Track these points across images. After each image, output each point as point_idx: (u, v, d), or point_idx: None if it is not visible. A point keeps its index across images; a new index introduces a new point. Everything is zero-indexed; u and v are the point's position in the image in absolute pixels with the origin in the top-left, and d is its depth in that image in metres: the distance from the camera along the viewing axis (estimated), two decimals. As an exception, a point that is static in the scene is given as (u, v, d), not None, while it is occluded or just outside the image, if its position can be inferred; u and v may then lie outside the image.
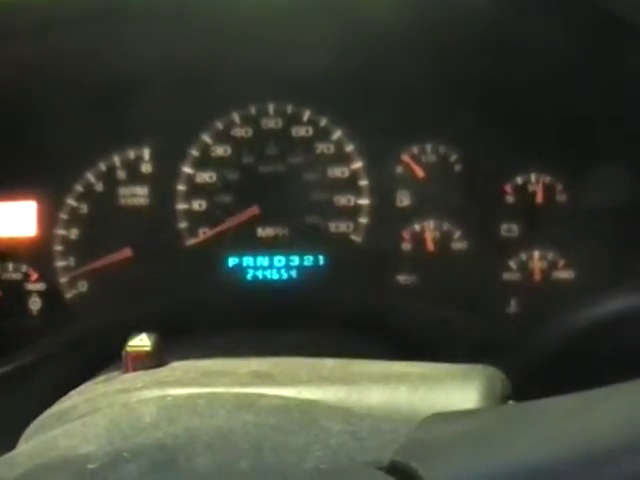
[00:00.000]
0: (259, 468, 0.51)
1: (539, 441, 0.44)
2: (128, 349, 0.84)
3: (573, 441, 0.43)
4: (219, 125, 1.18)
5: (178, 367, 0.83)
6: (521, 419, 0.50)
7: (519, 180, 1.15)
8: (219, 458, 0.53)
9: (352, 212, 1.17)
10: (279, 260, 1.17)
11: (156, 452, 0.55)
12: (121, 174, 1.19)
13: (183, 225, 1.18)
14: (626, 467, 0.40)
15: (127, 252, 1.18)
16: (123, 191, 1.19)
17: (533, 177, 1.15)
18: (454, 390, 0.69)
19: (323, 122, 1.18)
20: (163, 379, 0.77)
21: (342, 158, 1.17)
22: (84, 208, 1.19)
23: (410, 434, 0.52)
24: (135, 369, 0.83)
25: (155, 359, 0.84)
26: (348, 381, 0.72)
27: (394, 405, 0.68)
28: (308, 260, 1.17)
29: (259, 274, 1.18)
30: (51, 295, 1.19)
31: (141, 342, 0.84)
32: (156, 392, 0.72)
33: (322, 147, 1.18)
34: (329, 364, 0.78)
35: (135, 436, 0.59)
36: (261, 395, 0.67)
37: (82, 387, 0.86)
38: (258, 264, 1.17)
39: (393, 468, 0.47)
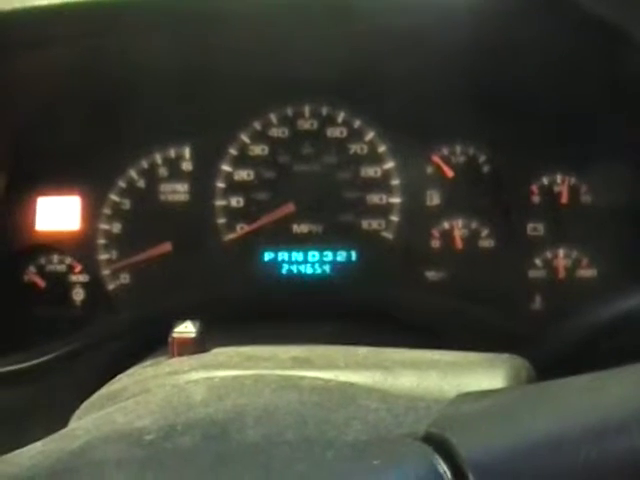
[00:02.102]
0: (304, 439, 0.55)
1: (560, 414, 0.48)
2: (174, 335, 0.87)
3: (591, 413, 0.47)
4: (257, 125, 1.20)
5: (221, 352, 0.86)
6: (543, 395, 0.54)
7: (545, 181, 1.18)
8: (267, 430, 0.57)
9: (384, 210, 1.19)
10: (313, 255, 1.20)
11: (208, 425, 0.59)
12: (162, 171, 1.21)
13: (221, 221, 1.20)
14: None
15: (167, 246, 1.20)
16: (164, 188, 1.21)
17: (559, 178, 1.18)
18: (481, 376, 0.72)
19: (357, 124, 1.20)
20: (208, 363, 0.80)
21: (375, 158, 1.20)
22: (126, 203, 1.21)
23: (442, 410, 0.56)
24: (180, 354, 0.86)
25: (199, 345, 0.87)
26: (381, 366, 0.74)
27: (425, 388, 0.71)
28: (341, 256, 1.19)
29: (294, 268, 1.20)
30: (94, 286, 1.21)
31: (186, 329, 0.87)
32: (203, 374, 0.75)
33: (355, 147, 1.20)
34: (363, 351, 0.81)
35: (187, 412, 0.63)
36: (302, 377, 0.71)
37: (130, 371, 0.89)
38: (293, 259, 1.20)
39: (428, 438, 0.50)
